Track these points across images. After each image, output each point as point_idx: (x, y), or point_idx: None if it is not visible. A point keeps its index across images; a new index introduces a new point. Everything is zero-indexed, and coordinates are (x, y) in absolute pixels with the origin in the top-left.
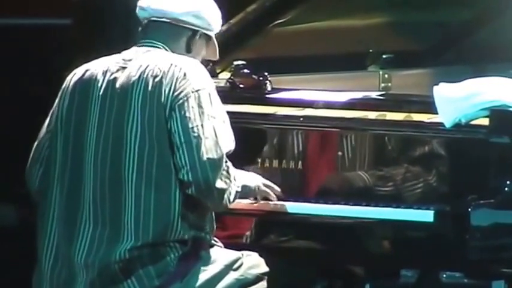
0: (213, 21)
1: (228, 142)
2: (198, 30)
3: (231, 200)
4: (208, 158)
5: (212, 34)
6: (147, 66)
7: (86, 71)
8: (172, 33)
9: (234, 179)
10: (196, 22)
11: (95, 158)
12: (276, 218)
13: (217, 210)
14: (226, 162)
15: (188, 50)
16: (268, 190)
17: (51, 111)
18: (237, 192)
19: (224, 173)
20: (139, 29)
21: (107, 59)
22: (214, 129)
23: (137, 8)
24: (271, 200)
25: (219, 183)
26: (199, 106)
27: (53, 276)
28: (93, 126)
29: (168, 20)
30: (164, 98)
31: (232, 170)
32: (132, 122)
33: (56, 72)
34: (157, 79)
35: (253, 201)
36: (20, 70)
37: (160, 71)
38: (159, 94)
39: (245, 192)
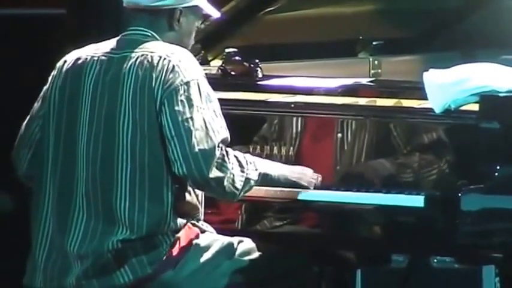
0: None
1: (221, 131)
2: (175, 8)
3: (238, 187)
4: (199, 149)
5: (195, 3)
6: (136, 59)
7: (77, 59)
8: (151, 19)
9: (241, 166)
10: (169, 2)
11: (86, 150)
12: (268, 204)
13: (227, 200)
14: (221, 150)
15: (171, 29)
16: (296, 180)
17: (41, 96)
18: (248, 179)
19: (219, 161)
20: (125, 14)
21: (96, 47)
22: (204, 120)
23: None
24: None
25: (214, 173)
26: (188, 98)
27: (47, 266)
28: (85, 117)
29: (143, 8)
30: (154, 92)
31: (234, 158)
32: (124, 116)
33: (50, 62)
34: (147, 72)
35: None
36: (14, 60)
37: (150, 64)
38: (149, 88)
39: (266, 180)
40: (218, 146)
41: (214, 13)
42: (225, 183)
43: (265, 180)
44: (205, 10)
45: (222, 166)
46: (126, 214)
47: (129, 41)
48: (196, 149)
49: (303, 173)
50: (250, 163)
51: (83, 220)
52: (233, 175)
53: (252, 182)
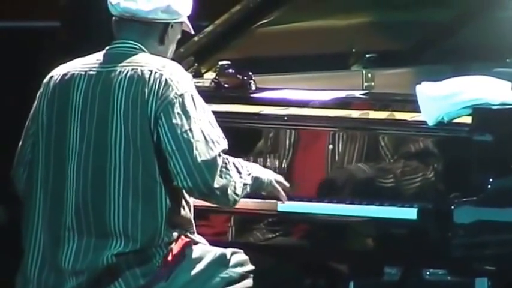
0: (183, 9)
1: (220, 141)
2: (169, 23)
3: (239, 193)
4: (202, 161)
5: (184, 19)
6: (126, 73)
7: (64, 74)
8: (143, 30)
9: (239, 172)
10: (166, 16)
11: (77, 166)
12: (260, 216)
13: (227, 208)
14: (223, 159)
15: (162, 43)
16: (278, 188)
17: (31, 114)
18: (245, 184)
19: (223, 170)
20: (113, 25)
21: (83, 62)
22: (202, 131)
23: (108, 2)
24: (279, 199)
25: (218, 182)
26: (185, 111)
27: (40, 281)
28: (75, 132)
29: (137, 19)
30: (148, 107)
31: (232, 164)
32: (115, 130)
33: (43, 75)
34: (138, 86)
35: (260, 201)
36: (7, 72)
37: (141, 78)
38: (142, 102)
39: (257, 185)
40: (219, 155)
41: (191, 30)
42: (229, 191)
43: (256, 183)
44: (187, 26)
45: (225, 175)
46: (120, 228)
47: (117, 54)
48: (199, 161)
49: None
50: (244, 168)
51: (75, 237)
52: (235, 182)
53: (248, 187)
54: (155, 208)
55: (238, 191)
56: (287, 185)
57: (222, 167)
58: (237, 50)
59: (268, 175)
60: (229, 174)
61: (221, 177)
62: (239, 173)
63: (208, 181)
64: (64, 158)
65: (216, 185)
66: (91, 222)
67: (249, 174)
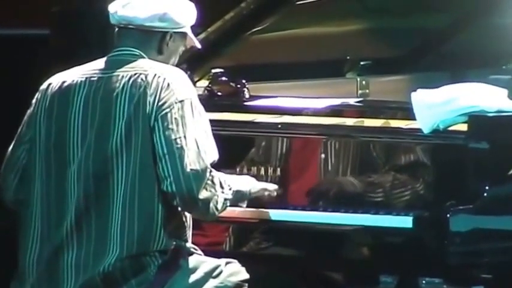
0: (182, 19)
1: (212, 152)
2: (167, 32)
3: (219, 208)
4: (191, 169)
5: (185, 30)
6: (129, 78)
7: (63, 82)
8: (142, 38)
9: (221, 187)
10: (163, 25)
11: (78, 172)
12: (255, 225)
13: (205, 220)
14: (210, 172)
15: (160, 52)
16: (262, 186)
17: (25, 120)
18: (226, 199)
19: (209, 183)
20: (114, 34)
21: (82, 69)
22: (196, 140)
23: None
24: (269, 201)
25: (203, 194)
26: (182, 117)
27: None
28: (76, 138)
29: (134, 27)
30: (149, 109)
31: (217, 179)
32: (117, 135)
33: (35, 83)
34: (141, 90)
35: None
36: None
37: (144, 82)
38: (143, 105)
39: (238, 197)
40: (208, 168)
41: (197, 44)
42: (211, 204)
43: (236, 196)
44: (191, 39)
45: (211, 188)
46: (118, 232)
47: (117, 61)
48: (188, 169)
49: (264, 186)
50: (226, 182)
51: (75, 246)
52: (217, 197)
53: (228, 202)
54: (151, 208)
55: (219, 206)
56: (271, 188)
57: (208, 179)
58: (231, 57)
59: (248, 185)
60: (214, 188)
61: (206, 189)
62: (222, 187)
63: (193, 191)
64: (65, 164)
65: (200, 197)
66: (92, 228)
67: (230, 189)
